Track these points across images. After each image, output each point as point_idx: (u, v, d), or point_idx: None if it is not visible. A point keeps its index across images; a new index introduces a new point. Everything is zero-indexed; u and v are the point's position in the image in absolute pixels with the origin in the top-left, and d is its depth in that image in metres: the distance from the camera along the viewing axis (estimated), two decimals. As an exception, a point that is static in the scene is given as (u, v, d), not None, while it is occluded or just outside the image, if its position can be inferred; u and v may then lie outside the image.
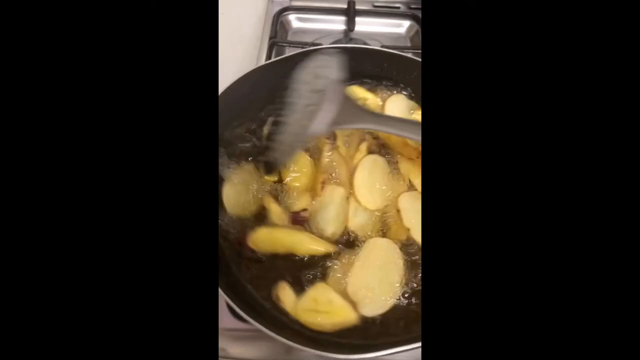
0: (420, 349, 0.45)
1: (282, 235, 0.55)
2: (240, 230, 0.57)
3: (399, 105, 0.68)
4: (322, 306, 0.50)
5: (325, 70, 0.53)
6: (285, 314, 0.52)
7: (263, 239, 0.55)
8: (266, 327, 0.46)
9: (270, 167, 0.56)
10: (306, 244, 0.54)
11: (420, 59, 0.67)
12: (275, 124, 0.50)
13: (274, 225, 0.56)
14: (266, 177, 0.59)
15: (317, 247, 0.53)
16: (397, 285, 0.51)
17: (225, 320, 0.58)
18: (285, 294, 0.52)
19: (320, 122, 0.50)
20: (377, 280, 0.51)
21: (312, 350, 0.46)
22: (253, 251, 0.55)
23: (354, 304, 0.50)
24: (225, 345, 0.58)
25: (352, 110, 0.51)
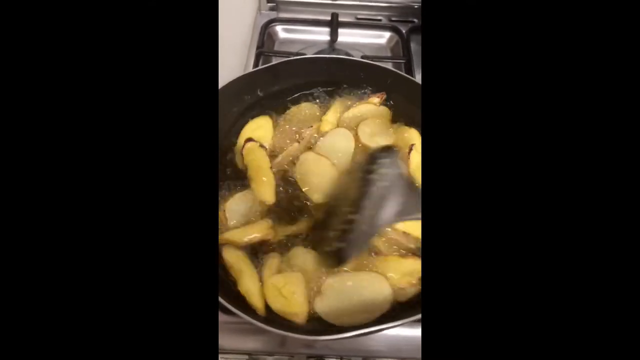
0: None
1: (243, 260, 0.57)
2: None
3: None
4: (285, 291, 0.53)
5: (387, 169, 0.57)
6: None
7: (231, 252, 0.58)
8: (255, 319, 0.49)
9: (340, 259, 0.56)
10: (247, 285, 0.55)
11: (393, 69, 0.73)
12: (348, 222, 0.54)
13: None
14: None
15: (254, 296, 0.54)
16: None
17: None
18: (271, 264, 0.56)
19: (389, 214, 0.53)
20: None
21: (303, 337, 0.49)
22: (222, 258, 0.58)
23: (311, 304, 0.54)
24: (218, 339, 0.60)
25: (417, 200, 0.54)
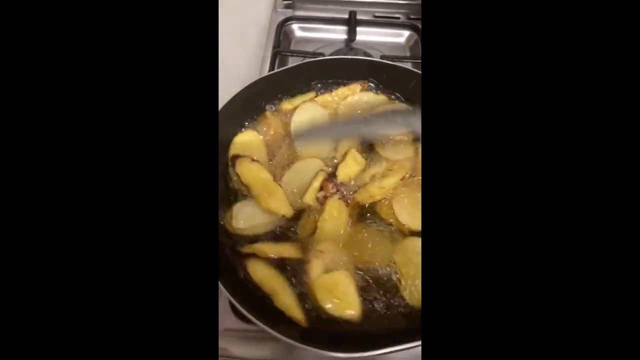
0: (420, 347, 0.46)
1: (274, 277, 0.56)
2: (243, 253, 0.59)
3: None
4: (337, 292, 0.53)
5: None
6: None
7: (258, 268, 0.56)
8: (269, 327, 0.48)
9: None
10: (285, 299, 0.54)
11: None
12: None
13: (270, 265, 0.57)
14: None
15: (293, 309, 0.53)
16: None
17: (227, 321, 0.60)
18: (316, 266, 0.55)
19: None
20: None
21: (314, 350, 0.48)
22: (247, 273, 0.57)
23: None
24: (227, 346, 0.59)
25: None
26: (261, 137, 0.68)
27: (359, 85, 0.72)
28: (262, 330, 0.48)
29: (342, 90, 0.72)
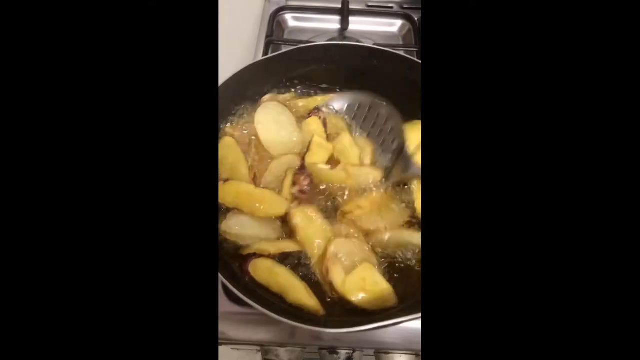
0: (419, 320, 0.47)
1: (281, 273, 0.54)
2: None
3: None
4: (368, 285, 0.52)
5: None
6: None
7: (261, 270, 0.55)
8: (266, 309, 0.48)
9: None
10: (296, 294, 0.53)
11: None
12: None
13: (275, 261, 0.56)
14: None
15: (307, 302, 0.52)
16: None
17: (222, 303, 0.59)
18: (336, 271, 0.53)
19: None
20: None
21: (314, 328, 0.48)
22: (251, 277, 0.55)
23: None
24: (225, 329, 0.59)
25: None
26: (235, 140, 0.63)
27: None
28: (260, 312, 0.47)
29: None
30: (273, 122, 0.64)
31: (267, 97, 0.70)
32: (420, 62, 0.67)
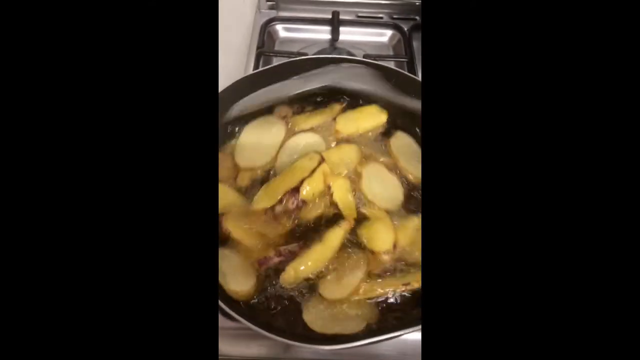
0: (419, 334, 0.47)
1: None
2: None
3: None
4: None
5: None
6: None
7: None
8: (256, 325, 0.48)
9: None
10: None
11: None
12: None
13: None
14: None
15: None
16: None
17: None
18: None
19: None
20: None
21: (308, 346, 0.49)
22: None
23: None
24: (219, 344, 0.58)
25: None
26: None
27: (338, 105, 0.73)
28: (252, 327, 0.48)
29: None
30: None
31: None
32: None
